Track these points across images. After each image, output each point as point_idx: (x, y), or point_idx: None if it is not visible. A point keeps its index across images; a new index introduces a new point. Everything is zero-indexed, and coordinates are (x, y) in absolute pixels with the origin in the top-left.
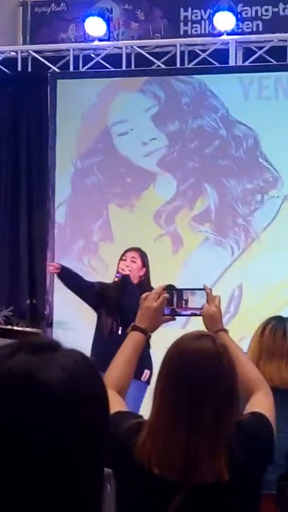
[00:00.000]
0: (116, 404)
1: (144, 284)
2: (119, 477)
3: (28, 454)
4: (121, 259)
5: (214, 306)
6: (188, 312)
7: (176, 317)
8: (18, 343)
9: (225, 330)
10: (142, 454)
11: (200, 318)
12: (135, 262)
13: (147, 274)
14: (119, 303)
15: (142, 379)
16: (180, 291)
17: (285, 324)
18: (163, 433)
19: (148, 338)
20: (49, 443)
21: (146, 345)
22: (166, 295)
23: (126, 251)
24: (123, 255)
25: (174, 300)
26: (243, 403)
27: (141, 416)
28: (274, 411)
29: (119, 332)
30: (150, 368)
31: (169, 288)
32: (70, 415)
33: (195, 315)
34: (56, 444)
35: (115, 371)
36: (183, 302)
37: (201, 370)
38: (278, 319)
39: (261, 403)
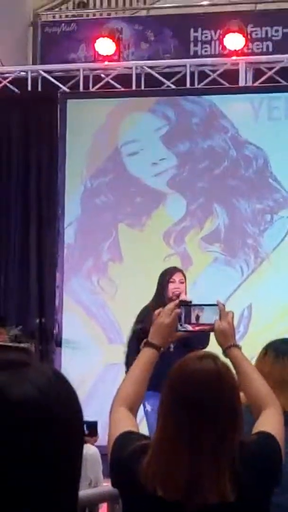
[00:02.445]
0: (125, 423)
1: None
2: (125, 498)
3: None
4: (168, 281)
5: (226, 322)
6: (199, 328)
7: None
8: None
9: (238, 346)
10: (146, 476)
11: (213, 335)
12: (183, 283)
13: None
14: None
15: None
16: (193, 307)
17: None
18: (166, 454)
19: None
20: (19, 460)
21: None
22: (178, 310)
23: (171, 272)
24: (169, 277)
25: (187, 316)
26: (253, 420)
27: (148, 437)
28: (283, 429)
29: (171, 349)
30: None
31: (183, 304)
32: (41, 433)
33: (207, 331)
34: (27, 461)
35: (128, 388)
36: (196, 318)
37: (202, 391)
38: (282, 341)
39: (269, 422)
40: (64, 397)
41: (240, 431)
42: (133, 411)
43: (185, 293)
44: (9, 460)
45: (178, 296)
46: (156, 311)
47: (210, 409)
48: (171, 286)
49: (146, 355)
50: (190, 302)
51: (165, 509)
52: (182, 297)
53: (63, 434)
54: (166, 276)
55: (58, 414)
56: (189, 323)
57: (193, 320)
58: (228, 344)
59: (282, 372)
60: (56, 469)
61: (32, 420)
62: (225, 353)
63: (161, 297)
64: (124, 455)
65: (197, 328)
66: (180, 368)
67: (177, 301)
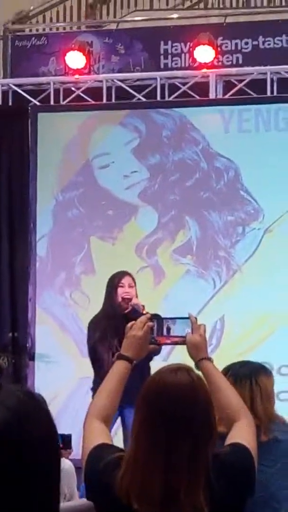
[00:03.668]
0: (100, 436)
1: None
2: (100, 511)
3: None
4: (117, 285)
5: (198, 335)
6: (171, 341)
7: (161, 346)
8: None
9: (209, 359)
10: (121, 489)
11: (185, 348)
12: (132, 287)
13: (137, 295)
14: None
15: None
16: (165, 320)
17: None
18: (141, 467)
19: (133, 367)
20: None
21: (148, 371)
22: (151, 323)
23: (120, 276)
24: (118, 281)
25: (159, 329)
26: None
27: (122, 450)
28: (255, 441)
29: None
30: None
31: (155, 317)
32: (16, 455)
33: (179, 343)
34: (4, 484)
35: (101, 400)
36: (168, 331)
37: (177, 403)
38: (241, 366)
39: (242, 433)
40: (35, 417)
41: (214, 443)
42: (107, 423)
43: (136, 297)
44: None
45: (128, 300)
46: (129, 324)
47: (185, 421)
48: (120, 290)
49: (119, 367)
50: (143, 306)
51: None
52: (134, 301)
53: (35, 453)
54: (114, 280)
55: (30, 434)
56: (162, 336)
57: (165, 333)
58: (200, 356)
59: (241, 396)
60: (31, 489)
61: (7, 443)
62: (197, 365)
63: (110, 302)
64: (99, 468)
65: (169, 341)
66: (154, 381)
67: (149, 314)
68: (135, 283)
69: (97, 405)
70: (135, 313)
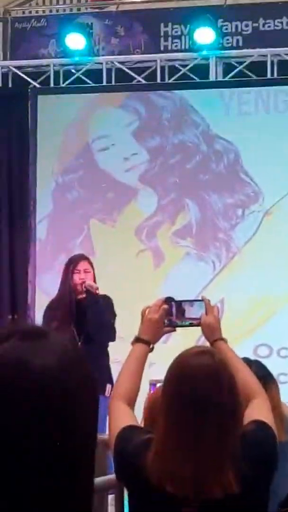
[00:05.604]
0: (126, 418)
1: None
2: (131, 493)
3: (17, 440)
4: (72, 271)
5: (213, 316)
6: (187, 323)
7: (176, 328)
8: (8, 329)
9: (223, 339)
10: (152, 472)
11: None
12: (89, 272)
13: (95, 280)
14: (86, 319)
15: (106, 394)
16: (179, 303)
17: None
18: (171, 451)
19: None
20: (41, 427)
21: (106, 356)
22: (166, 306)
23: (76, 261)
24: (74, 267)
25: (174, 312)
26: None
27: (150, 431)
28: (273, 418)
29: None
30: (111, 381)
31: (169, 300)
32: (61, 401)
33: (194, 325)
34: (47, 429)
35: (123, 383)
36: (183, 313)
37: (203, 387)
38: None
39: (261, 410)
40: (79, 364)
41: (241, 423)
42: (131, 405)
43: (93, 281)
44: (32, 427)
45: (82, 284)
46: (144, 307)
47: (211, 404)
48: (75, 276)
49: (138, 350)
50: (97, 287)
51: (172, 504)
52: (87, 283)
53: (81, 398)
54: (70, 266)
55: (76, 381)
56: (177, 318)
57: (180, 315)
58: (215, 337)
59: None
60: (75, 432)
61: (53, 389)
62: (212, 346)
63: (66, 287)
64: (128, 449)
65: (184, 322)
66: (179, 365)
67: (163, 297)
68: (92, 267)
69: (120, 388)
70: (89, 296)
